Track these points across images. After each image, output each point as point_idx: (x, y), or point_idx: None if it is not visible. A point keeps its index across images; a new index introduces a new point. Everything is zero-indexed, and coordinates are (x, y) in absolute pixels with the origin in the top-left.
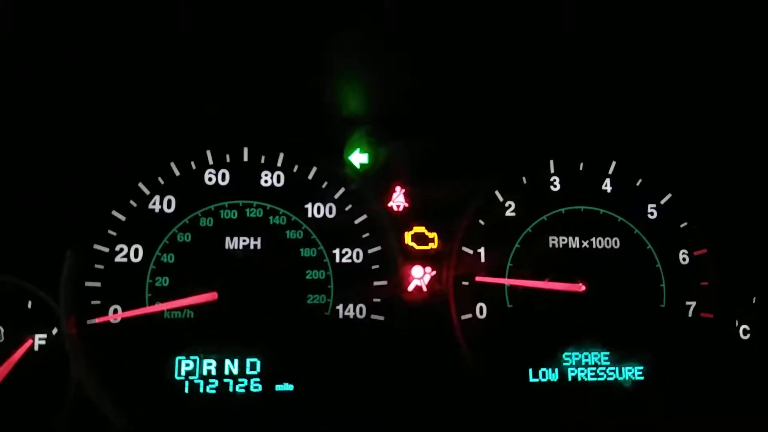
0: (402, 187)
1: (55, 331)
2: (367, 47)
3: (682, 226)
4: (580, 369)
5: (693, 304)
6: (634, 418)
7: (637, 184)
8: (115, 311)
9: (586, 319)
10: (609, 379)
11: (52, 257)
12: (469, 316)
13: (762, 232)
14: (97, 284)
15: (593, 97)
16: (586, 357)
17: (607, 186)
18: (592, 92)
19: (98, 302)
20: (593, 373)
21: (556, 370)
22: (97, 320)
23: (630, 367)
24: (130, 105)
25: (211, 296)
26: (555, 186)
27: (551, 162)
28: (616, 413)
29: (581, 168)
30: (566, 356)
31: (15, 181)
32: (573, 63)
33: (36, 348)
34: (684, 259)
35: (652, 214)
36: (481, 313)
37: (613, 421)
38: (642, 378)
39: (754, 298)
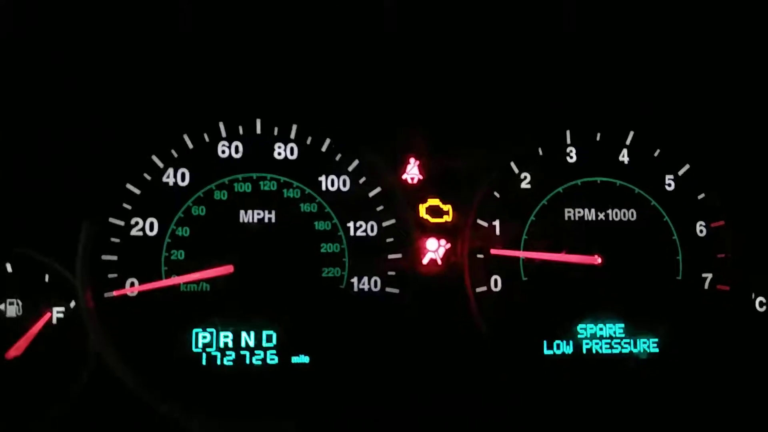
0: (416, 159)
1: (72, 304)
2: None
3: (699, 197)
4: (594, 341)
5: (710, 276)
6: (649, 390)
7: (655, 154)
8: (132, 284)
9: (601, 291)
10: (624, 351)
11: (68, 231)
12: (484, 288)
13: None
14: (114, 257)
15: (610, 66)
16: (601, 329)
17: (624, 157)
18: (610, 61)
19: (115, 275)
20: (608, 346)
21: (571, 342)
22: (114, 293)
23: (645, 340)
24: (142, 77)
25: (227, 269)
26: (571, 157)
27: (567, 132)
28: (630, 386)
29: (598, 138)
30: (581, 329)
31: (30, 155)
32: (590, 31)
33: (54, 321)
34: (701, 231)
35: (669, 185)
36: (495, 285)
37: (628, 394)
38: (657, 350)
39: None
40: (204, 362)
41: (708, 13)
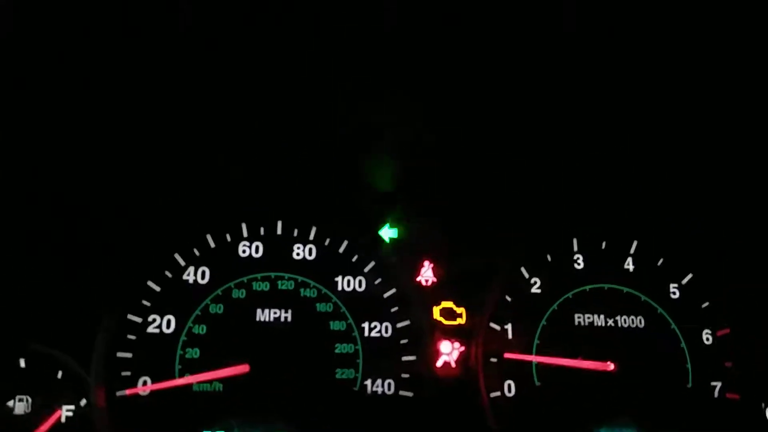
0: (430, 262)
1: (83, 402)
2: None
3: (704, 306)
4: None
5: (718, 384)
6: None
7: (659, 263)
8: (145, 383)
9: (614, 398)
10: None
11: (85, 327)
12: (498, 393)
13: None
14: (128, 355)
15: (615, 178)
16: None
17: (629, 265)
18: (615, 173)
19: (128, 373)
20: None
21: None
22: (126, 392)
23: None
24: (171, 178)
25: (243, 368)
26: (579, 264)
27: (574, 240)
28: None
29: (603, 246)
30: None
31: (51, 248)
32: (596, 144)
33: (63, 419)
34: (707, 339)
35: (674, 293)
36: (509, 390)
37: None
38: None
39: None
40: None
41: (708, 119)
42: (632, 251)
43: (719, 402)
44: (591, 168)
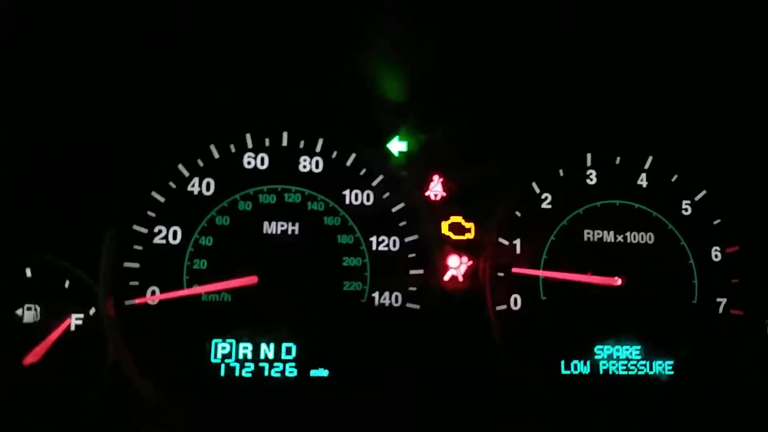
0: (440, 177)
1: (92, 311)
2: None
3: (715, 223)
4: (611, 362)
5: (724, 300)
6: (663, 412)
7: (673, 179)
8: (153, 293)
9: (619, 313)
10: (640, 373)
11: (91, 237)
12: (504, 307)
13: None
14: (136, 265)
15: (632, 90)
16: (618, 351)
17: (642, 181)
18: (632, 85)
19: (136, 283)
20: (624, 367)
21: (588, 362)
22: (135, 301)
23: (660, 362)
24: (173, 86)
25: (251, 280)
26: (591, 179)
27: (588, 155)
28: (645, 407)
29: (618, 162)
30: (598, 349)
31: (56, 159)
32: (613, 54)
33: (73, 328)
34: (716, 256)
35: (686, 210)
36: (515, 304)
37: (642, 415)
38: (672, 373)
39: None
40: (223, 373)
41: (727, 38)
42: (647, 167)
43: (723, 318)
44: (607, 81)
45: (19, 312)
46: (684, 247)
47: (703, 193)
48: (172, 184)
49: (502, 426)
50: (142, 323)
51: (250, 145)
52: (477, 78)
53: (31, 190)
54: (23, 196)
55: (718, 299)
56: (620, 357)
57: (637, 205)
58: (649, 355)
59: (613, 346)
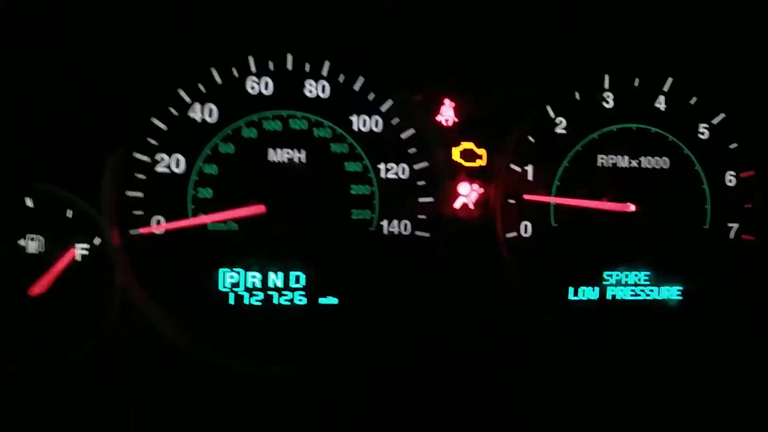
0: (451, 101)
1: (97, 241)
2: None
3: (731, 147)
4: (619, 288)
5: (735, 226)
6: (671, 338)
7: (691, 102)
8: (158, 222)
9: (630, 239)
10: (648, 298)
11: (92, 166)
12: (514, 234)
13: None
14: (139, 194)
15: (652, 10)
16: (626, 276)
17: (660, 104)
18: (653, 4)
19: (140, 213)
20: (632, 293)
21: (596, 288)
22: (140, 231)
23: (669, 288)
24: (169, 7)
25: (259, 209)
26: (608, 102)
27: (606, 77)
28: (653, 333)
29: (636, 84)
30: (606, 275)
31: (53, 87)
32: None
33: (78, 258)
34: (730, 181)
35: (703, 133)
36: (525, 231)
37: (650, 341)
38: (681, 298)
39: None
40: (232, 301)
41: None
42: (666, 89)
43: (734, 243)
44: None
45: (22, 242)
46: (698, 171)
47: (722, 116)
48: (173, 111)
49: (509, 352)
50: (149, 252)
51: (253, 69)
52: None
53: (30, 119)
54: (23, 125)
55: (730, 224)
56: (629, 282)
57: (654, 129)
58: (658, 280)
59: (622, 272)
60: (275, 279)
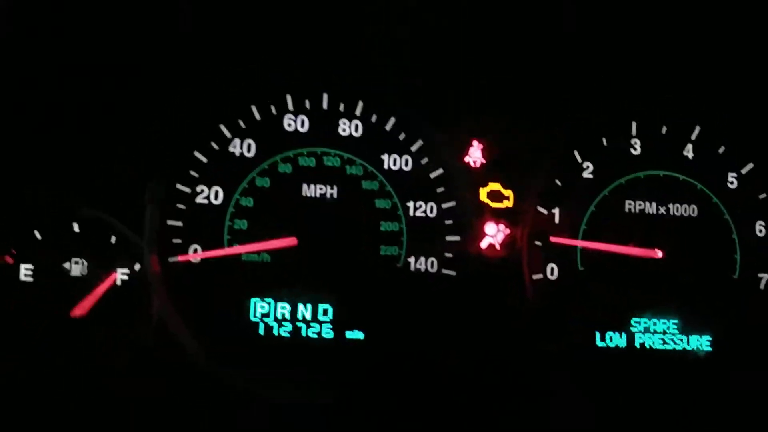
0: (480, 143)
1: (137, 266)
2: None
3: (761, 197)
4: (647, 335)
5: (766, 276)
6: (700, 388)
7: (720, 151)
8: (195, 251)
9: (657, 285)
10: (677, 347)
11: (136, 195)
12: (540, 276)
13: None
14: (179, 223)
15: (681, 59)
16: (655, 324)
17: (688, 152)
18: (682, 54)
19: (179, 241)
20: (661, 341)
21: (624, 335)
22: (179, 258)
23: (698, 337)
24: (215, 47)
25: (291, 241)
26: (635, 149)
27: (633, 124)
28: (681, 382)
29: (664, 131)
30: (635, 322)
31: (102, 116)
32: (663, 20)
33: (119, 282)
34: (760, 231)
35: (732, 183)
36: (552, 273)
37: (679, 390)
38: (710, 348)
39: None
40: (261, 331)
41: None
42: (693, 137)
43: (765, 294)
44: (654, 46)
45: (66, 265)
46: (728, 220)
47: (750, 166)
48: (214, 145)
49: (535, 394)
50: (185, 280)
51: (290, 107)
52: (520, 43)
53: (79, 149)
54: (74, 155)
55: (761, 275)
56: (657, 330)
57: (681, 177)
58: (686, 329)
59: (650, 319)
60: (304, 311)
